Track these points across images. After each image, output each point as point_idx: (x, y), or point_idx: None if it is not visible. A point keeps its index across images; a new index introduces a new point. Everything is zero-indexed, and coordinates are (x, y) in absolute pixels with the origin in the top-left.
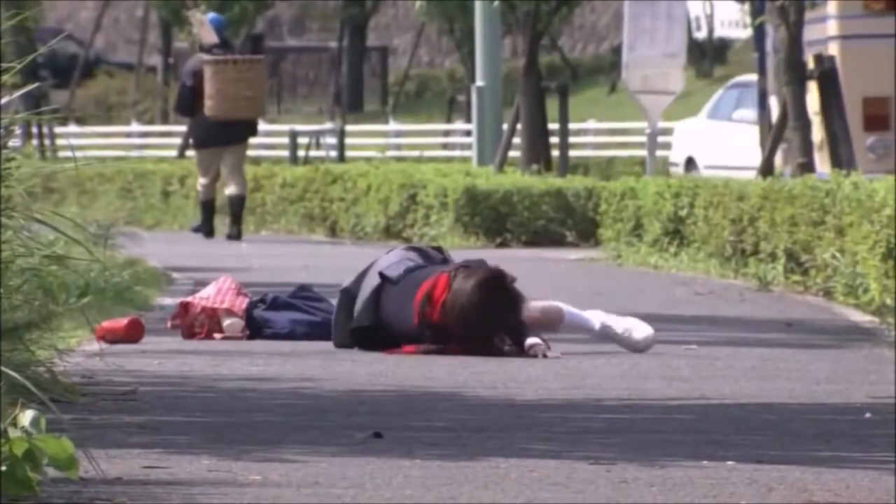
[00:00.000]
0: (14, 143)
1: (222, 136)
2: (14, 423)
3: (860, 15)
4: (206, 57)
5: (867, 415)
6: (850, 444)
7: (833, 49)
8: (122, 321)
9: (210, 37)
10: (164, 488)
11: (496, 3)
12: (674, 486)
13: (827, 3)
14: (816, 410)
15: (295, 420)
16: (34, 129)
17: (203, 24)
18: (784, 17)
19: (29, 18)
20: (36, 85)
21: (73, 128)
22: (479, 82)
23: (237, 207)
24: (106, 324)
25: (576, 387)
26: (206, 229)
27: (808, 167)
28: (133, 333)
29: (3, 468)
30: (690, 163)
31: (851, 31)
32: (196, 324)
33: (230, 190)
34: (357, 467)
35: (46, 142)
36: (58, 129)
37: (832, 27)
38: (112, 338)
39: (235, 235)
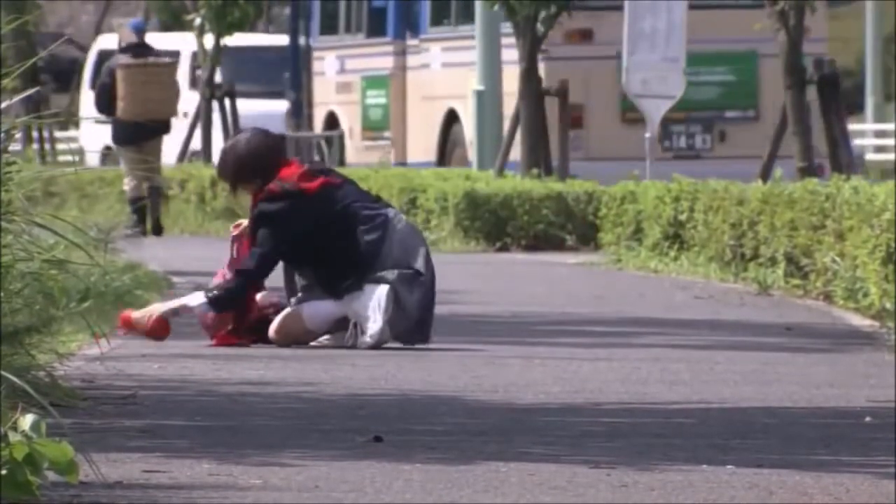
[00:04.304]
0: (15, 147)
1: (136, 135)
2: (14, 427)
3: (560, 42)
4: (121, 59)
5: (867, 419)
6: (850, 448)
7: (542, 67)
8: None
9: (129, 37)
10: (165, 492)
11: (496, 7)
12: (674, 489)
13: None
14: (816, 414)
15: (295, 424)
16: (35, 133)
17: (122, 27)
18: (784, 22)
19: (29, 22)
20: (36, 89)
21: (73, 132)
22: (479, 86)
23: (155, 198)
24: (134, 314)
25: (576, 391)
26: (142, 228)
27: (808, 171)
28: (158, 331)
29: (4, 472)
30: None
31: (554, 53)
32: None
33: (147, 183)
34: (357, 471)
35: (47, 146)
36: (58, 133)
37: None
38: (135, 331)
39: (156, 229)
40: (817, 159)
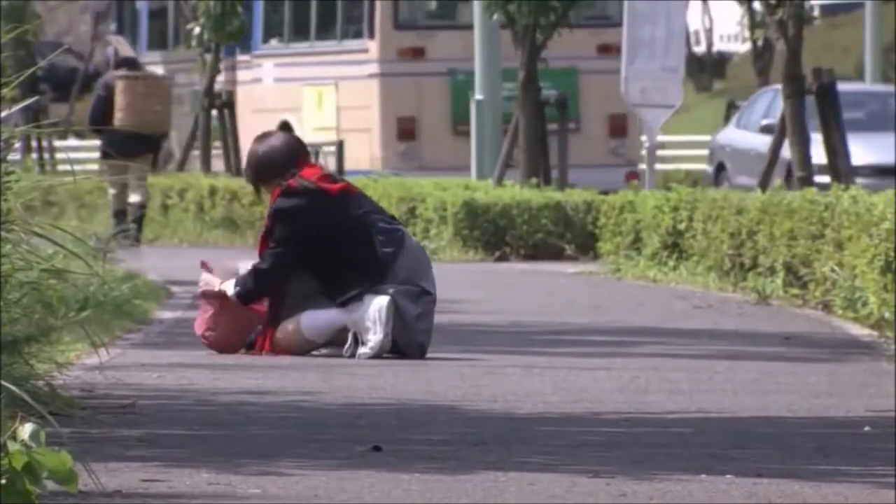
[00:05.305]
0: (13, 156)
1: (130, 147)
2: (13, 437)
3: (394, 59)
4: (119, 72)
5: (866, 428)
6: (849, 458)
7: (376, 82)
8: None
9: (127, 51)
10: (163, 501)
11: (495, 16)
12: (673, 499)
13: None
14: (815, 424)
15: (294, 433)
16: (34, 143)
17: (120, 42)
18: (783, 31)
19: (28, 32)
20: (35, 98)
21: (72, 141)
22: (479, 96)
23: (138, 213)
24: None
25: (575, 400)
26: (138, 236)
27: (807, 181)
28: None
29: (3, 481)
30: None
31: (388, 70)
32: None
33: (133, 198)
34: (356, 480)
35: (46, 155)
36: (57, 143)
37: (373, 67)
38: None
39: (136, 240)
40: (630, 167)
